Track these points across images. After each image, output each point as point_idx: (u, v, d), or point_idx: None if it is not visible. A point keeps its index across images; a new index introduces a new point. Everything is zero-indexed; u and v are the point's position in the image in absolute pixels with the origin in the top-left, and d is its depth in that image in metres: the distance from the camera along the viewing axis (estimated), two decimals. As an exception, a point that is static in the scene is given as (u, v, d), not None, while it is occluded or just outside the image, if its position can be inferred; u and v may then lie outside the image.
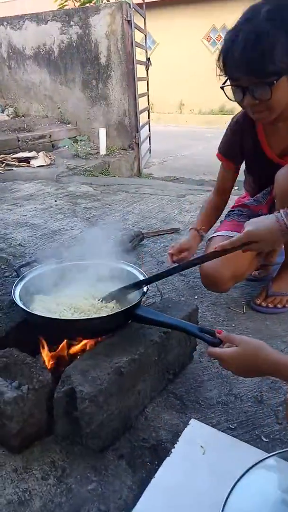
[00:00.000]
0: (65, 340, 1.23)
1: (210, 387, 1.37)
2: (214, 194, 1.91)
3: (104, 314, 1.16)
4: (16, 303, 1.16)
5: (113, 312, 1.14)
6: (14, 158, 4.74)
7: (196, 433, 0.92)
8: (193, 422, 0.95)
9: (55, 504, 0.98)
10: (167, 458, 0.86)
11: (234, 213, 1.94)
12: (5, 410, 1.02)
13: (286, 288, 1.86)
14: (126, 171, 5.49)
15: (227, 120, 1.89)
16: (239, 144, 1.71)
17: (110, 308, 1.23)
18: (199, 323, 1.58)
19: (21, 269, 1.40)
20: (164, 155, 7.50)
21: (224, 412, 1.27)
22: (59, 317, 1.13)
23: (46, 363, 1.23)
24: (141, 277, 1.37)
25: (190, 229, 1.81)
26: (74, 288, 1.35)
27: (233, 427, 1.20)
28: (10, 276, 2.14)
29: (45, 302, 1.28)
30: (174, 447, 0.88)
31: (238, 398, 1.32)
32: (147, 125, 6.56)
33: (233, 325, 1.75)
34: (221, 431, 1.19)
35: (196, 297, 1.97)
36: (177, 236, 2.75)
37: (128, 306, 1.16)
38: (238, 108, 1.55)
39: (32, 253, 2.41)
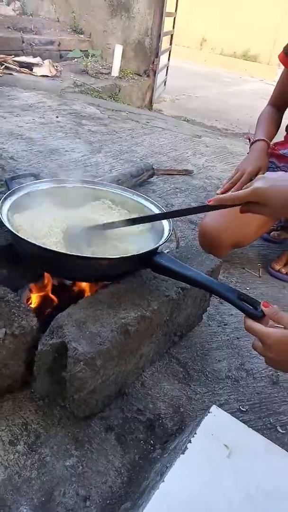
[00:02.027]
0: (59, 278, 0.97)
1: (219, 357, 1.17)
2: (270, 106, 1.61)
3: (115, 256, 0.89)
4: (2, 223, 0.88)
5: (127, 255, 0.87)
6: (15, 61, 4.14)
7: (219, 426, 0.71)
8: (214, 409, 0.74)
9: (22, 479, 0.78)
10: (180, 456, 0.65)
11: None
12: (-28, 357, 0.79)
13: (312, 256, 1.63)
14: (136, 100, 4.96)
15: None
16: None
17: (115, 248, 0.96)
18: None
19: (13, 181, 1.10)
20: (177, 92, 6.88)
21: (234, 389, 1.07)
22: (55, 249, 0.86)
23: (32, 303, 0.99)
24: (156, 211, 1.10)
25: (256, 141, 1.46)
26: (73, 214, 1.08)
27: (244, 409, 1.02)
28: (-3, 192, 1.83)
29: (37, 223, 1.00)
30: (190, 441, 0.67)
31: (250, 375, 1.13)
32: (167, 53, 5.90)
33: (247, 288, 1.53)
34: (230, 413, 1.00)
35: (207, 250, 1.72)
36: (189, 179, 2.44)
37: (148, 250, 0.90)
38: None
39: (25, 170, 2.07)
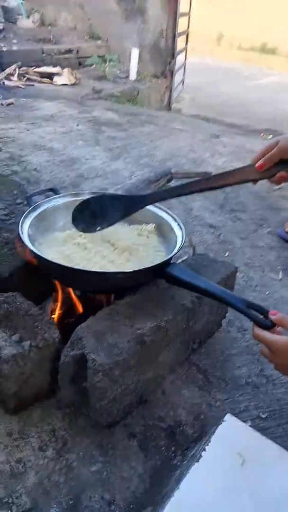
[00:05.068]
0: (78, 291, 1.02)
1: (239, 363, 1.19)
2: None
3: (128, 269, 0.93)
4: (23, 243, 0.94)
5: (141, 268, 0.91)
6: (36, 72, 4.26)
7: (233, 435, 0.73)
8: (229, 418, 0.76)
9: (52, 483, 0.83)
10: (195, 464, 0.68)
11: None
12: (1, 369, 0.84)
13: None
14: (155, 102, 4.99)
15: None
16: None
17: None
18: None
19: (33, 198, 1.16)
20: (196, 90, 6.84)
21: (254, 396, 1.09)
22: (73, 267, 0.90)
23: (55, 315, 1.04)
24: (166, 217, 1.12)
25: None
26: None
27: (264, 416, 1.03)
28: (22, 204, 1.91)
29: (58, 242, 1.05)
30: (204, 449, 0.70)
31: (270, 381, 1.14)
32: (184, 52, 5.88)
33: (267, 293, 1.53)
34: (250, 420, 1.02)
35: (226, 254, 1.73)
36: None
37: (159, 262, 0.93)
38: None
39: (48, 181, 2.15)
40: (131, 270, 0.91)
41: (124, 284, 0.96)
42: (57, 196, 1.15)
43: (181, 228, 1.08)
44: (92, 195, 1.11)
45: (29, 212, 1.06)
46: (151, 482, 0.85)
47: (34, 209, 1.08)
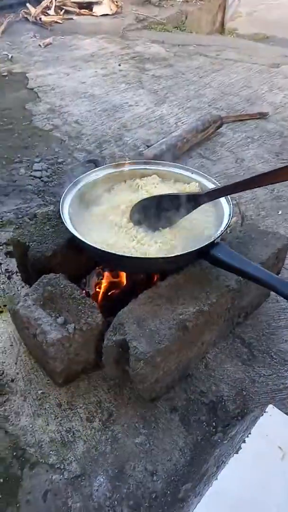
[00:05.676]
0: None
1: (286, 336, 1.15)
2: None
3: (171, 254, 0.89)
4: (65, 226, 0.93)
5: (182, 253, 0.87)
6: (74, 2, 3.95)
7: (275, 427, 0.73)
8: (271, 409, 0.75)
9: (99, 453, 0.90)
10: (234, 455, 0.69)
11: None
12: (48, 351, 0.89)
13: None
14: (206, 25, 4.48)
15: None
16: None
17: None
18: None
19: (73, 171, 1.13)
20: (254, 3, 6.00)
21: (300, 372, 1.07)
22: (115, 252, 0.89)
23: (100, 290, 1.06)
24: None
25: None
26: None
27: (309, 394, 1.02)
28: (64, 163, 1.88)
29: (100, 219, 1.03)
30: (244, 441, 0.71)
31: None
32: None
33: None
34: (295, 397, 1.01)
35: (279, 212, 1.62)
36: (263, 124, 2.23)
37: (203, 245, 0.88)
38: None
39: (90, 134, 2.08)
40: (173, 255, 0.88)
41: (167, 267, 0.94)
42: (97, 169, 1.10)
43: (228, 201, 1.00)
44: (133, 166, 1.07)
45: (69, 189, 1.03)
46: (192, 456, 0.89)
47: (75, 184, 1.05)
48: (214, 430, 0.94)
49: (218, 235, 0.90)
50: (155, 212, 0.98)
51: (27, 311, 0.92)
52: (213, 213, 1.03)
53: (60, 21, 3.66)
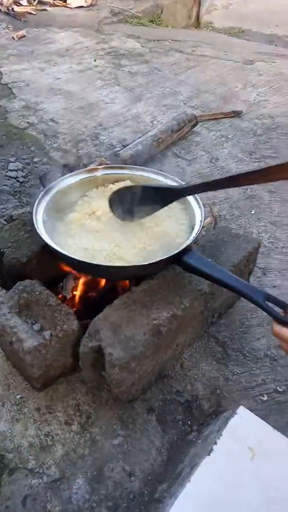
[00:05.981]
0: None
1: (258, 334, 1.20)
2: None
3: (145, 262, 0.91)
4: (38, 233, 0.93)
5: (155, 261, 0.89)
6: (48, -7, 3.87)
7: (245, 428, 0.76)
8: (241, 411, 0.79)
9: (78, 455, 0.93)
10: (206, 457, 0.72)
11: None
12: (24, 359, 0.90)
13: None
14: (182, 19, 4.46)
15: None
16: None
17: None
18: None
19: (46, 177, 1.13)
20: (231, -6, 6.01)
21: (272, 369, 1.11)
22: (90, 262, 0.90)
23: (77, 293, 1.07)
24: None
25: None
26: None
27: (281, 390, 1.06)
28: (40, 162, 1.87)
29: (74, 225, 1.04)
30: (216, 443, 0.74)
31: (289, 353, 1.15)
32: None
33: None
34: (267, 394, 1.05)
35: (253, 211, 1.66)
36: (237, 122, 2.27)
37: (175, 252, 0.91)
38: None
39: (66, 133, 2.06)
40: (146, 263, 0.90)
41: (142, 273, 0.96)
42: (70, 174, 1.11)
43: (200, 207, 1.03)
44: (107, 171, 1.08)
45: (43, 196, 1.04)
46: (168, 456, 0.93)
47: (47, 191, 1.06)
48: (189, 429, 0.98)
49: (188, 243, 0.93)
50: (134, 201, 0.99)
51: (2, 319, 0.92)
52: (185, 220, 1.05)
53: (34, 12, 3.57)
